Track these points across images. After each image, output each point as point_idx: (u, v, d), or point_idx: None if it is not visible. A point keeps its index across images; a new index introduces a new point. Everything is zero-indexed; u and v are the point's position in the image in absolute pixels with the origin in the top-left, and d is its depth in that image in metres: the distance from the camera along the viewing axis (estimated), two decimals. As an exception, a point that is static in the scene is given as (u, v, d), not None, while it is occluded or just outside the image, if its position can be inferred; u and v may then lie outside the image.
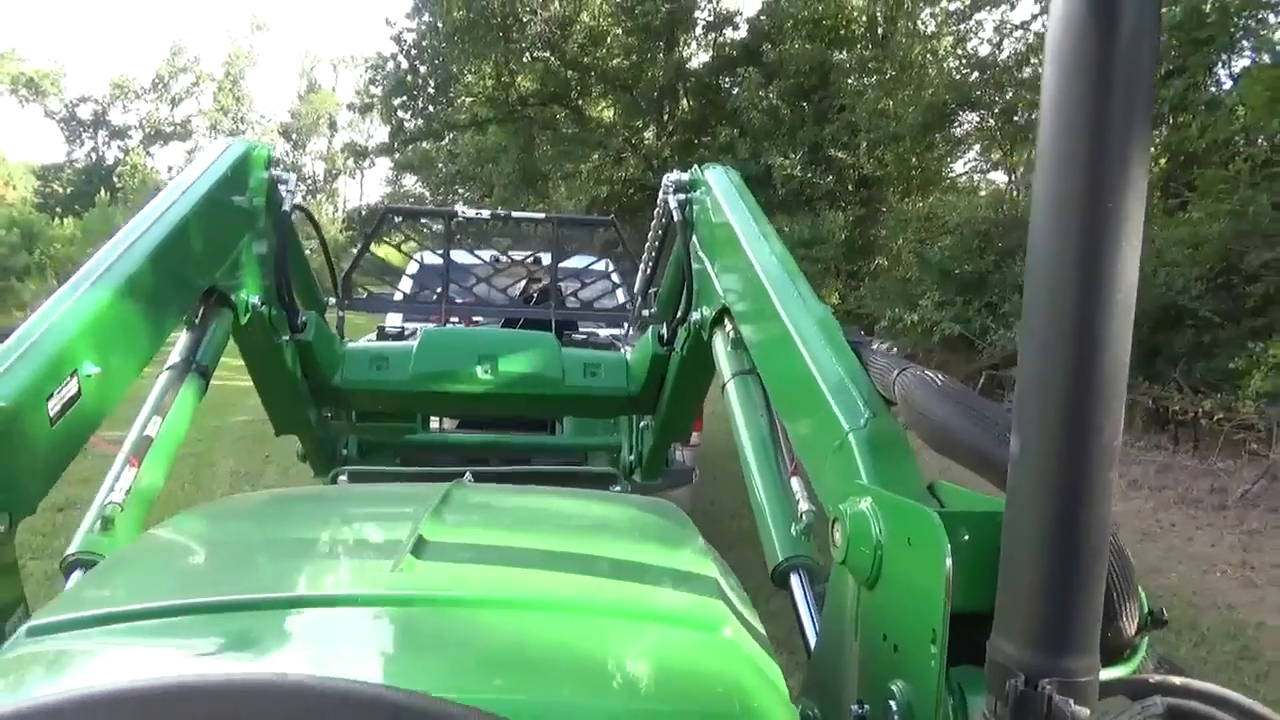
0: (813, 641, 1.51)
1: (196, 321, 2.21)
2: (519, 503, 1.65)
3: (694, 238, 2.70)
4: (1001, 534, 0.83)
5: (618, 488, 2.62)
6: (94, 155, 46.13)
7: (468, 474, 1.92)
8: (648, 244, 3.31)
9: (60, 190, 42.19)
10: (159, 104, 48.20)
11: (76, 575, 1.51)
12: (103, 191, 28.73)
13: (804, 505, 1.71)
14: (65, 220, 26.45)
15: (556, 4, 22.30)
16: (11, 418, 1.37)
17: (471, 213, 4.21)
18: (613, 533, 1.50)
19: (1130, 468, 8.48)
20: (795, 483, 1.81)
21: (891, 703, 0.99)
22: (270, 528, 1.44)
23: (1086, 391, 0.73)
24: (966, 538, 0.97)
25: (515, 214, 4.48)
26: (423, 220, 5.18)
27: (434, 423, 4.67)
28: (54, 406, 1.49)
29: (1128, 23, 0.69)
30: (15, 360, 1.46)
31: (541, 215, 4.69)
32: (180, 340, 2.18)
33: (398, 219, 5.01)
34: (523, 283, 5.21)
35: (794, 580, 1.64)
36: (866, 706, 1.07)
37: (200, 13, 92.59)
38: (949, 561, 0.91)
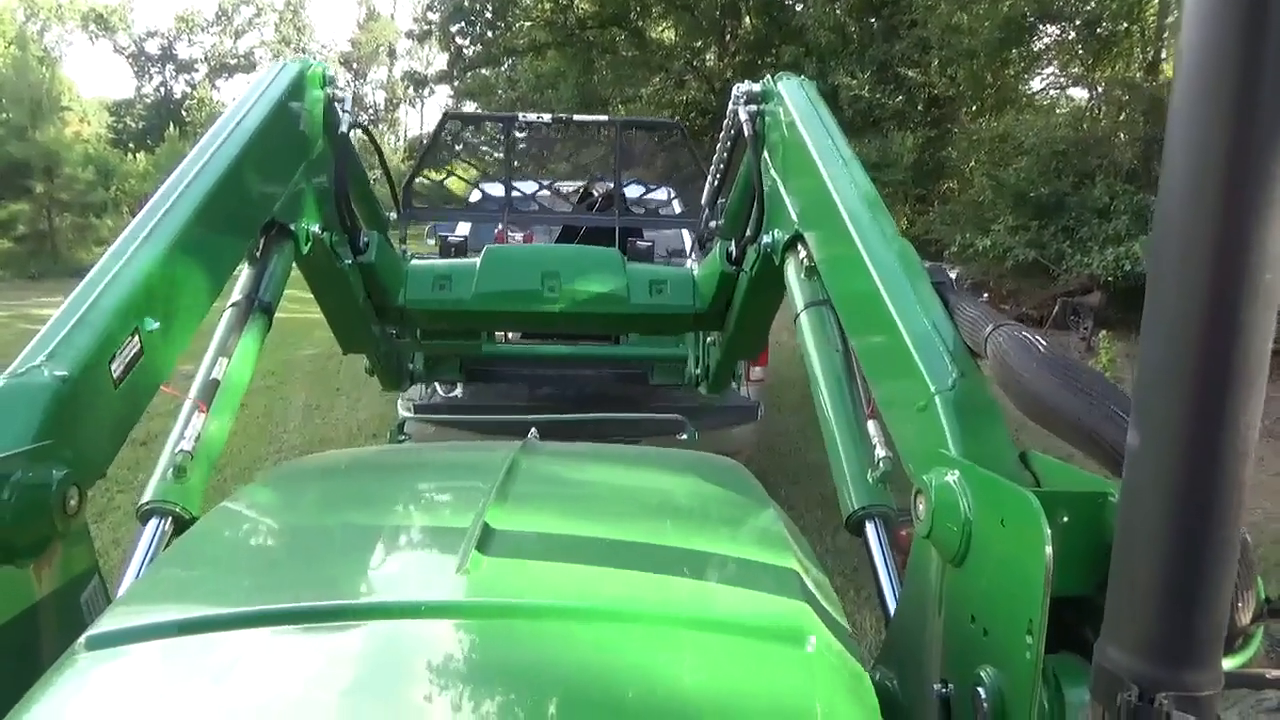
0: (888, 593, 1.47)
1: (257, 256, 2.18)
2: (586, 475, 1.61)
3: (765, 153, 2.58)
4: (1115, 532, 0.76)
5: (685, 435, 2.58)
6: (162, 90, 46.86)
7: (533, 431, 1.90)
8: (715, 156, 3.21)
9: (132, 125, 43.00)
10: (223, 36, 48.64)
11: (153, 524, 1.52)
12: (172, 126, 29.18)
13: (880, 451, 1.65)
14: (138, 155, 27.00)
15: (615, -79, 21.63)
16: (75, 387, 1.35)
17: (533, 117, 4.14)
18: (685, 512, 1.44)
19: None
20: (872, 426, 1.73)
21: (980, 689, 0.95)
22: (335, 510, 1.42)
23: (1221, 383, 0.65)
24: (1066, 519, 0.92)
25: (577, 117, 4.37)
26: (485, 128, 5.10)
27: (499, 333, 4.68)
28: (117, 368, 1.47)
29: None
30: (74, 326, 1.44)
31: (604, 119, 4.57)
32: (241, 276, 2.14)
33: (460, 126, 4.93)
34: (583, 190, 5.15)
35: (869, 529, 1.59)
36: (951, 687, 1.03)
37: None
38: (1049, 549, 0.85)
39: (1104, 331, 9.45)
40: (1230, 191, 0.62)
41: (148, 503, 1.56)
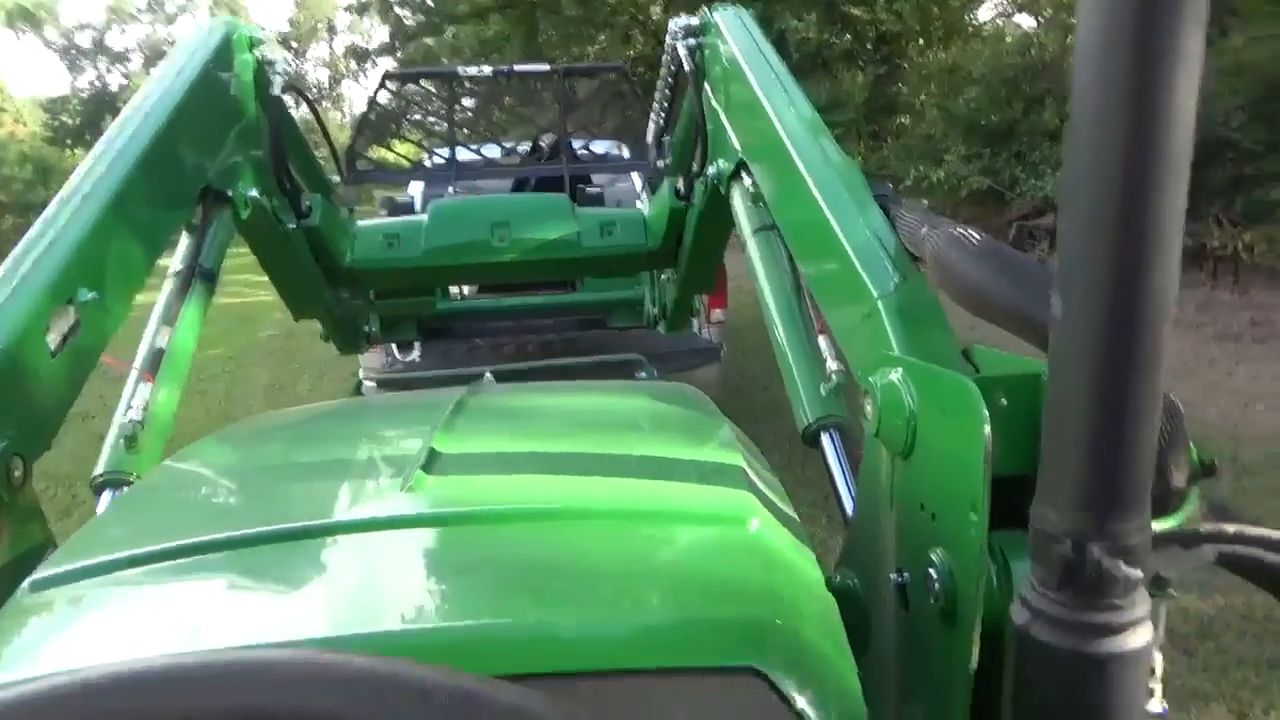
0: (845, 500, 1.50)
1: (195, 224, 2.14)
2: (534, 403, 1.62)
3: (707, 87, 2.58)
4: (1044, 399, 0.78)
5: (644, 374, 2.58)
6: (98, 83, 45.61)
7: (487, 374, 1.90)
8: (657, 93, 3.19)
9: (69, 122, 41.88)
10: (155, 24, 47.32)
11: (106, 495, 1.52)
12: (109, 119, 28.48)
13: (832, 365, 1.67)
14: (76, 151, 26.38)
15: (548, -125, 21.21)
16: (11, 358, 1.34)
17: (474, 70, 4.07)
18: (632, 427, 1.46)
19: (1168, 308, 8.30)
20: (822, 341, 1.75)
21: (931, 570, 0.97)
22: (279, 453, 1.42)
23: (1138, 240, 0.65)
24: (1004, 402, 0.93)
25: (519, 67, 4.30)
26: (428, 89, 5.00)
27: (454, 289, 4.63)
28: (53, 339, 1.46)
29: None
30: (6, 298, 1.42)
31: (546, 67, 4.51)
32: (180, 245, 2.12)
33: (399, 85, 4.84)
34: (531, 143, 5.10)
35: (825, 440, 1.61)
36: (906, 575, 1.05)
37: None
38: (987, 429, 0.87)
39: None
40: (1139, 51, 0.62)
41: (101, 474, 1.55)
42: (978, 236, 1.29)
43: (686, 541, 0.95)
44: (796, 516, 1.12)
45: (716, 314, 5.26)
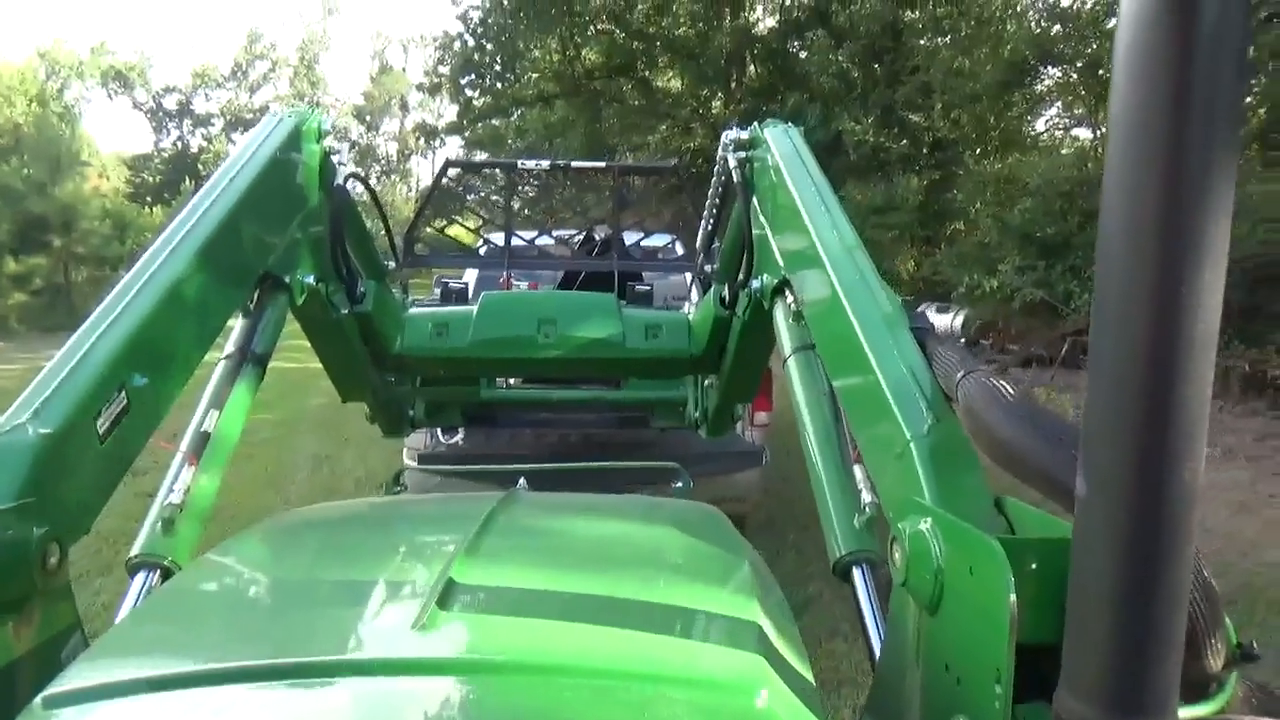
0: (874, 639, 1.47)
1: (251, 308, 2.18)
2: (559, 525, 1.61)
3: (754, 200, 2.60)
4: (1069, 581, 0.76)
5: (680, 484, 2.54)
6: (179, 144, 47.70)
7: (522, 481, 1.90)
8: (708, 201, 3.23)
9: (149, 179, 43.71)
10: (238, 91, 49.53)
11: (140, 577, 1.53)
12: (187, 180, 29.69)
13: (867, 496, 1.64)
14: (154, 209, 27.42)
15: (620, -26, 22.10)
16: (59, 443, 1.36)
17: (532, 163, 4.16)
18: (653, 562, 1.44)
19: (1224, 436, 8.10)
20: (858, 471, 1.72)
21: None
22: (306, 565, 1.42)
23: (1163, 430, 0.64)
24: (1034, 567, 0.91)
25: (576, 163, 4.38)
26: (487, 176, 5.10)
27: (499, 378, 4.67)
28: (102, 424, 1.47)
29: (1210, 6, 0.59)
30: (61, 381, 1.45)
31: (602, 164, 4.63)
32: (235, 328, 2.14)
33: (460, 173, 4.96)
34: (583, 233, 5.19)
35: (856, 575, 1.58)
36: None
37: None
38: (1013, 597, 0.85)
39: (1113, 371, 9.37)
40: (1164, 246, 0.62)
41: (136, 556, 1.55)
42: (1012, 390, 1.28)
43: (691, 709, 0.93)
44: (811, 677, 1.08)
45: (760, 417, 5.24)
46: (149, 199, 33.69)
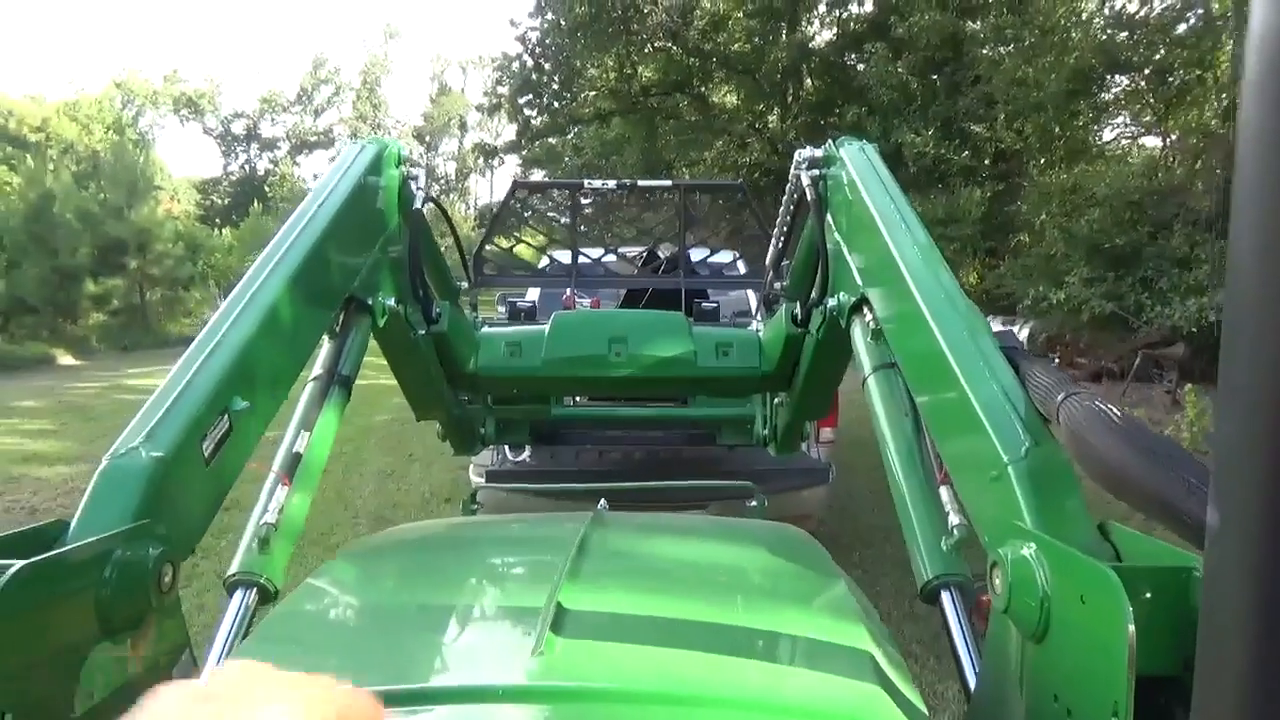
0: (966, 665, 1.43)
1: (337, 330, 2.23)
2: (654, 551, 1.62)
3: (829, 217, 2.57)
4: (1199, 616, 0.73)
5: (754, 503, 2.54)
6: (247, 167, 49.31)
7: (603, 502, 1.90)
8: (779, 219, 3.21)
9: (219, 202, 45.25)
10: (303, 115, 51.13)
11: (239, 595, 1.57)
12: (255, 202, 30.59)
13: (954, 518, 1.59)
14: (224, 231, 28.30)
15: (676, -8, 22.27)
16: (170, 468, 1.40)
17: (598, 183, 4.20)
18: (755, 588, 1.43)
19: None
20: (944, 492, 1.67)
21: None
22: (411, 589, 1.45)
23: None
24: (1148, 596, 0.88)
25: (641, 182, 4.39)
26: (552, 195, 5.19)
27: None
28: (208, 447, 1.52)
29: None
30: (169, 407, 1.50)
31: (668, 182, 4.66)
32: (322, 351, 2.19)
33: (527, 193, 5.04)
34: (648, 253, 5.22)
35: (945, 599, 1.54)
36: None
37: (339, 25, 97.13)
38: (1131, 627, 0.82)
39: (1189, 385, 9.11)
40: None
41: (234, 574, 1.59)
42: (1118, 413, 1.24)
43: None
44: (924, 707, 1.07)
45: (826, 433, 5.19)
46: (218, 221, 34.83)
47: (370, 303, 2.33)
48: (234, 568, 1.60)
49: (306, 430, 1.92)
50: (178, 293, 21.89)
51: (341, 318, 2.24)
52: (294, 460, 1.82)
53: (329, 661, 1.13)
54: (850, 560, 5.49)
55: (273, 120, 50.46)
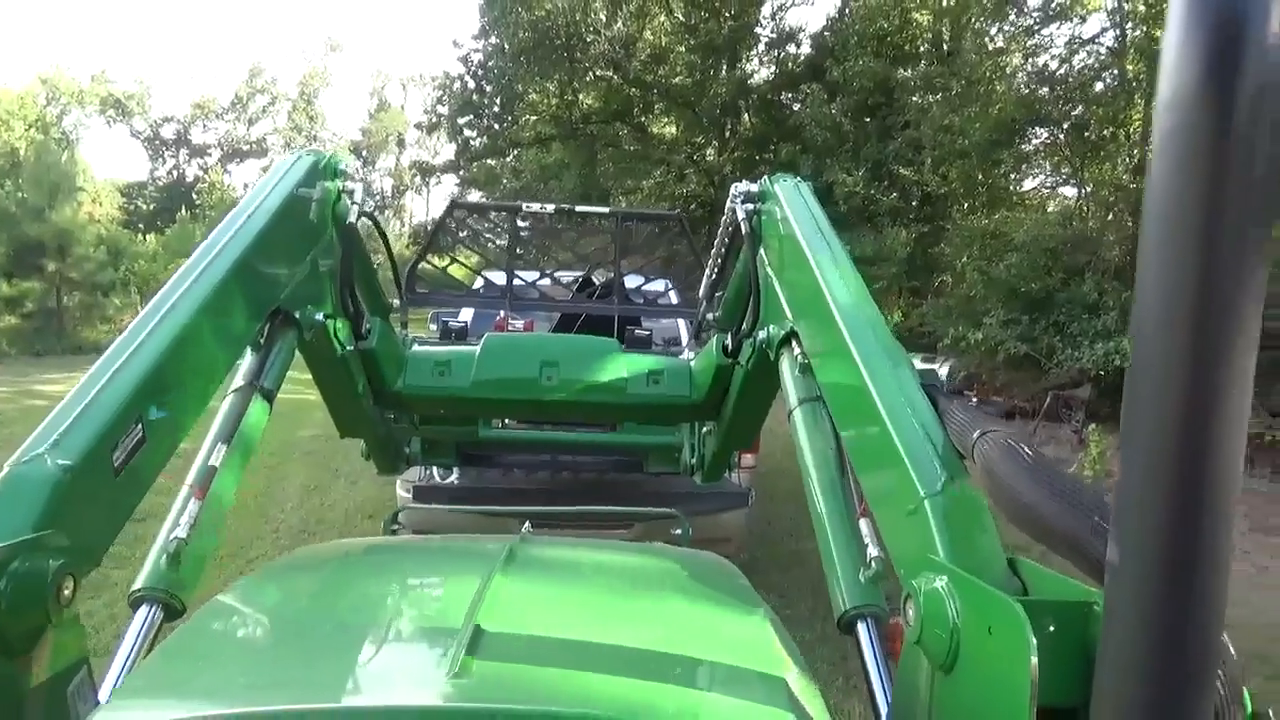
0: (879, 695, 1.46)
1: (261, 342, 2.17)
2: (574, 572, 1.61)
3: (762, 251, 2.61)
4: (1097, 634, 0.76)
5: (679, 531, 2.53)
6: (175, 173, 47.97)
7: (527, 525, 1.90)
8: (714, 251, 3.25)
9: (144, 207, 43.83)
10: (237, 123, 50.00)
11: (143, 611, 1.50)
12: (183, 209, 29.82)
13: (873, 550, 1.61)
14: (148, 236, 27.47)
15: (620, 24, 22.61)
16: (76, 477, 1.35)
17: (536, 207, 4.20)
18: (673, 613, 1.44)
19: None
20: (864, 524, 1.70)
21: None
22: (326, 608, 1.41)
23: (1195, 502, 0.65)
24: (1052, 629, 0.91)
25: (579, 208, 4.40)
26: (489, 217, 5.20)
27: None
28: (119, 456, 1.46)
29: (1242, 114, 0.61)
30: (78, 414, 1.44)
31: (606, 210, 4.64)
32: (244, 362, 2.13)
33: (464, 213, 5.02)
34: (583, 277, 5.27)
35: (861, 629, 1.56)
36: None
37: (278, 35, 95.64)
38: (1034, 659, 0.85)
39: (1094, 425, 9.56)
40: (1198, 323, 0.63)
41: (139, 590, 1.52)
42: (1030, 452, 1.28)
43: None
44: None
45: (747, 459, 5.32)
46: (142, 226, 33.76)
47: (297, 316, 2.29)
48: (139, 583, 1.53)
49: (224, 443, 1.85)
50: (97, 298, 21.14)
51: (267, 329, 2.19)
52: (209, 473, 1.75)
53: (233, 680, 1.09)
54: (769, 583, 5.63)
55: (204, 126, 49.24)
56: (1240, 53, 0.61)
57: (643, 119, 24.77)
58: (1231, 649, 0.86)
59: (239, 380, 2.09)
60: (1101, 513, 1.08)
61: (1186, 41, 0.63)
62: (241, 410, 1.97)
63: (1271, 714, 0.91)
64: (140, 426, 1.53)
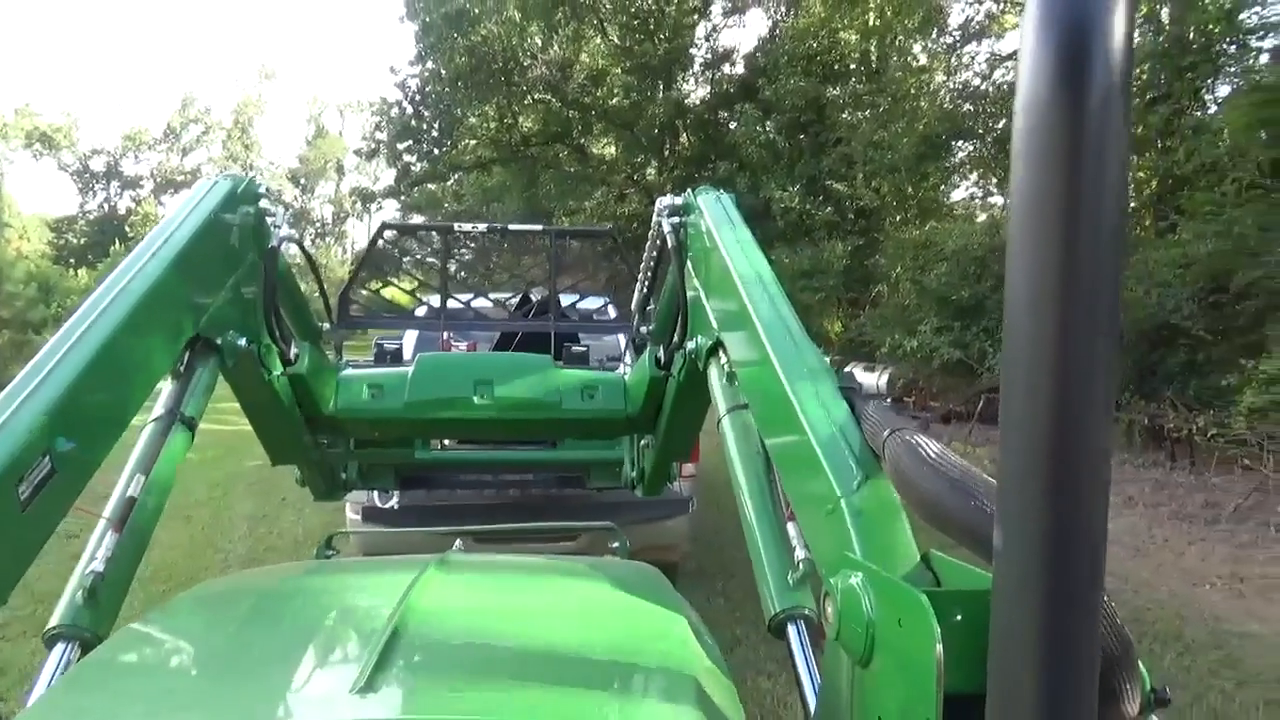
0: (809, 695, 1.51)
1: (181, 370, 2.11)
2: (497, 589, 1.62)
3: (688, 264, 2.66)
4: (989, 638, 0.79)
5: (616, 544, 2.56)
6: (106, 206, 46.98)
7: (458, 543, 1.93)
8: (643, 264, 3.29)
9: (74, 241, 42.88)
10: (170, 154, 49.24)
11: (59, 649, 1.47)
12: (116, 242, 29.23)
13: (800, 553, 1.65)
14: (79, 271, 26.89)
15: (556, 47, 22.85)
16: None
17: (468, 227, 4.18)
18: (591, 624, 1.44)
19: (1126, 485, 8.63)
20: (792, 528, 1.73)
21: None
22: (239, 632, 1.39)
23: (1070, 479, 0.70)
24: (959, 618, 0.93)
25: (512, 227, 4.35)
26: (425, 239, 5.18)
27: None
28: (24, 490, 1.41)
29: (1093, 115, 0.66)
30: None
31: (539, 228, 4.59)
32: (164, 391, 2.07)
33: (396, 235, 4.83)
34: (520, 296, 5.34)
35: (791, 631, 1.60)
36: None
37: (211, 63, 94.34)
38: (939, 647, 0.89)
39: (1025, 425, 9.90)
40: (1062, 312, 0.68)
41: (54, 627, 1.48)
42: (935, 447, 1.32)
43: None
44: None
45: (688, 468, 5.47)
46: (73, 261, 33.04)
47: (219, 342, 2.25)
48: (54, 620, 1.49)
49: (143, 474, 1.80)
50: (28, 335, 20.64)
51: (187, 357, 2.14)
52: (127, 505, 1.71)
53: (137, 709, 1.08)
54: (714, 589, 5.79)
55: (136, 158, 48.41)
56: (1090, 55, 0.66)
57: (582, 140, 25.00)
58: (1129, 634, 0.90)
59: (159, 409, 2.03)
60: (994, 500, 1.08)
61: (1039, 45, 0.67)
62: (161, 440, 1.93)
63: (1168, 690, 0.95)
64: (48, 459, 1.47)
